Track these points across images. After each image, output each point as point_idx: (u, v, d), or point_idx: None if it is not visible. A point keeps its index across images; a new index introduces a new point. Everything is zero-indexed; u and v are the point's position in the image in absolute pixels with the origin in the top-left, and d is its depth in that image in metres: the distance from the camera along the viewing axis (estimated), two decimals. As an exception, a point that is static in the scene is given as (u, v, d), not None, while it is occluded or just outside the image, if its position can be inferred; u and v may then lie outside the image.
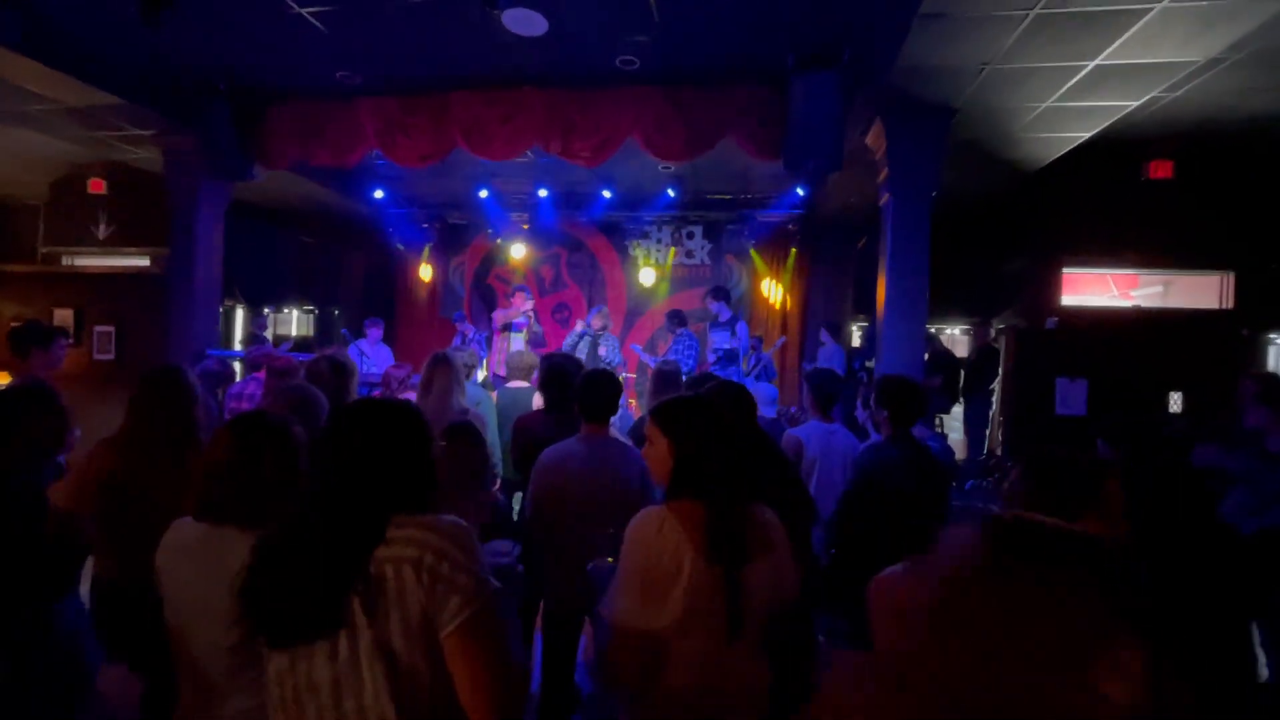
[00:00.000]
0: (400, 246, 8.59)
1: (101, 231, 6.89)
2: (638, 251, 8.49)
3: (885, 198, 4.45)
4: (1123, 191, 5.59)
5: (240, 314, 7.61)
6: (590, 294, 8.62)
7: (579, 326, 6.25)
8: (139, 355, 6.29)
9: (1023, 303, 6.00)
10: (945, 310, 7.14)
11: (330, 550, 1.04)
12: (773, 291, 8.15)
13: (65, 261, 7.10)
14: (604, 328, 6.19)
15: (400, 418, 1.18)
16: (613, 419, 2.35)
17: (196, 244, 5.39)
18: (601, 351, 6.01)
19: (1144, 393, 5.08)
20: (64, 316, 6.60)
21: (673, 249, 8.42)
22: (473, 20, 3.70)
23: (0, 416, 1.95)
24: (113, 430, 2.07)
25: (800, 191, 6.87)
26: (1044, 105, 4.05)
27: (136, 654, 1.86)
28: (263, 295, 7.78)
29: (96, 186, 6.74)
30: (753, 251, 8.15)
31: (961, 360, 6.49)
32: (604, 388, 2.26)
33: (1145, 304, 5.86)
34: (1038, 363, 5.32)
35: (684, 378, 3.45)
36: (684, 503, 1.43)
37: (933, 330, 6.85)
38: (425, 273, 8.54)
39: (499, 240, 8.46)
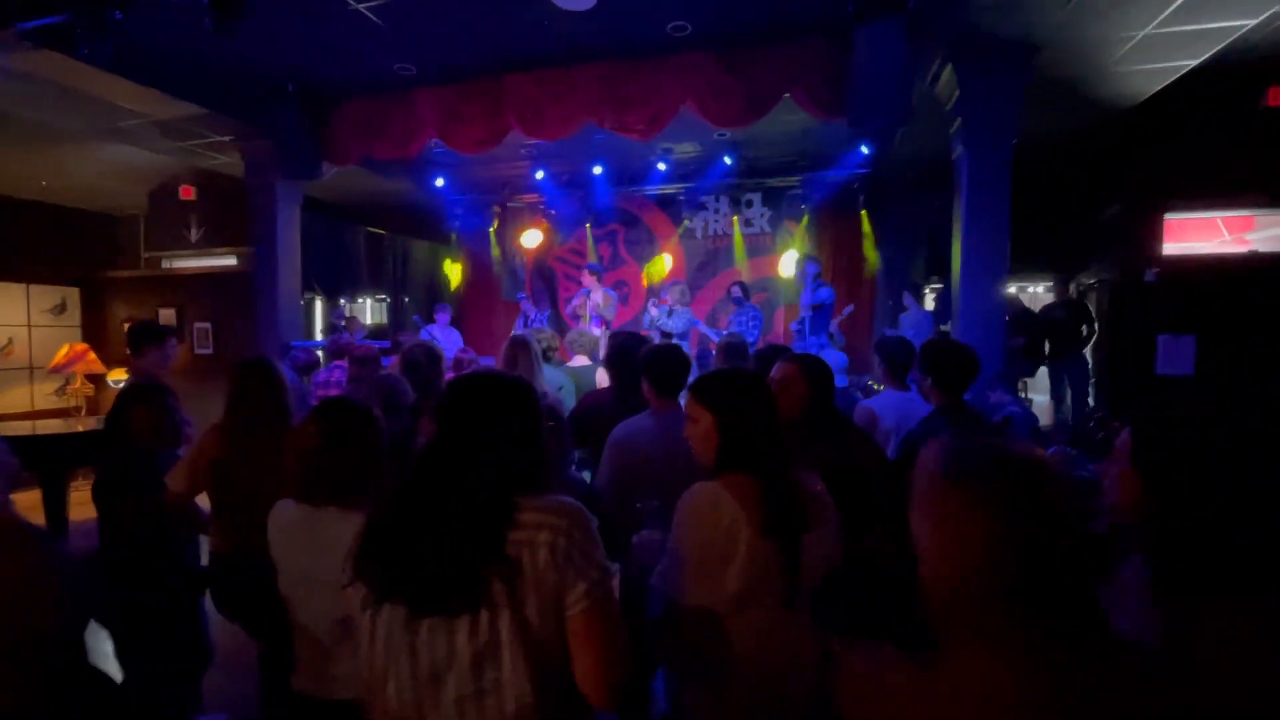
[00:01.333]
0: (455, 233, 8.79)
1: (193, 235, 7.41)
2: (696, 224, 8.36)
3: (959, 150, 4.16)
4: (1236, 124, 4.99)
5: (319, 305, 8.05)
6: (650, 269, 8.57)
7: (653, 305, 6.25)
8: (233, 348, 6.77)
9: (1117, 254, 5.52)
10: (1028, 267, 6.66)
11: (466, 528, 1.06)
12: (836, 257, 7.85)
13: (165, 265, 7.70)
14: (680, 300, 6.15)
15: (521, 393, 1.18)
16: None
17: (276, 241, 5.71)
18: (671, 326, 6.00)
19: (1261, 348, 4.60)
20: (168, 316, 7.18)
21: (735, 218, 8.22)
22: (522, 1, 3.68)
23: (116, 412, 2.15)
24: (216, 418, 2.24)
25: (865, 150, 6.54)
26: (1143, 33, 3.65)
27: (250, 619, 2.04)
28: (338, 286, 8.19)
29: (187, 193, 7.23)
30: (807, 215, 7.85)
31: (1047, 320, 6.06)
32: (672, 362, 2.24)
33: (1263, 248, 5.28)
34: (1136, 319, 4.90)
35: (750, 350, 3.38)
36: (736, 476, 1.41)
37: (1014, 289, 6.44)
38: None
39: (553, 220, 8.51)
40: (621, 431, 2.14)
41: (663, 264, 8.32)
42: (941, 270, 6.61)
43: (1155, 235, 5.28)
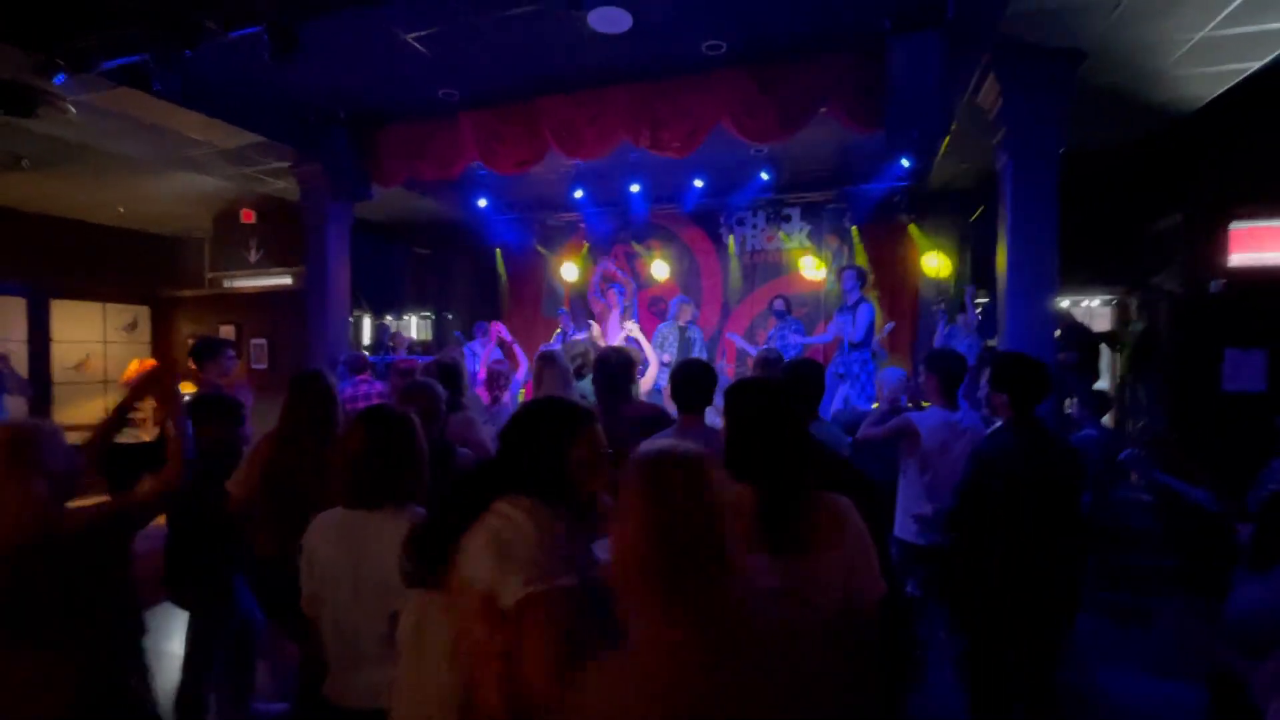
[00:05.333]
0: (498, 250, 9.01)
1: (253, 256, 7.82)
2: (731, 239, 8.35)
3: (1003, 160, 4.05)
4: (1310, 126, 4.71)
5: (367, 321, 8.35)
6: (685, 285, 8.59)
7: (662, 325, 6.30)
8: (287, 363, 7.09)
9: (1178, 266, 5.24)
10: (1081, 281, 6.39)
11: (447, 511, 1.18)
12: (879, 271, 7.70)
13: (226, 285, 8.14)
14: (690, 320, 6.17)
15: (552, 413, 1.27)
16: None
17: (328, 261, 5.97)
18: (686, 342, 6.02)
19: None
20: (227, 332, 7.57)
21: (768, 234, 8.18)
22: (560, 25, 3.80)
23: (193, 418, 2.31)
24: (270, 428, 2.35)
25: (905, 163, 6.43)
26: (1199, 35, 3.50)
27: (294, 623, 2.12)
28: (385, 304, 8.49)
29: (248, 217, 7.66)
30: (855, 230, 7.73)
31: (1100, 334, 5.79)
32: (697, 378, 2.24)
33: (1344, 258, 4.92)
34: (1201, 333, 4.63)
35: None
36: (739, 487, 1.35)
37: (1065, 304, 6.18)
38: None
39: (590, 240, 8.65)
40: (648, 449, 2.14)
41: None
42: (988, 284, 6.42)
43: (1221, 245, 4.99)
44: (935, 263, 7.01)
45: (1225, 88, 4.20)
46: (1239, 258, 4.98)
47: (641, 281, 8.76)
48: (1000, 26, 3.40)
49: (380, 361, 5.24)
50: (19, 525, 1.44)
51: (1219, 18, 3.29)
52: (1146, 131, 4.99)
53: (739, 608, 0.93)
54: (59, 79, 3.77)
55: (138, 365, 7.17)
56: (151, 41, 3.59)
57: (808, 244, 8.11)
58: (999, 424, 2.35)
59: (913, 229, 7.45)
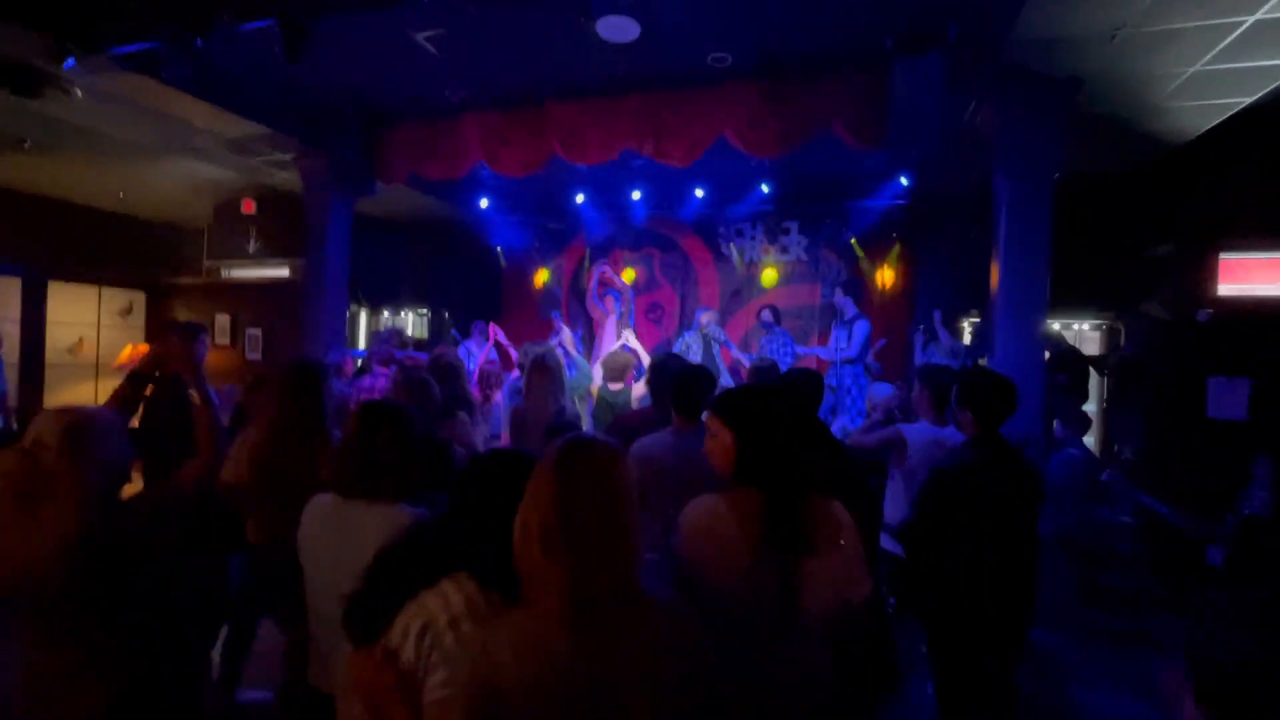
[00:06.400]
0: (500, 250, 9.06)
1: (251, 246, 7.82)
2: (732, 250, 8.41)
3: (999, 182, 4.12)
4: (1299, 163, 4.82)
5: (364, 316, 8.35)
6: (684, 293, 8.64)
7: (686, 332, 6.48)
8: (281, 354, 7.07)
9: (1168, 293, 5.33)
10: (1072, 304, 6.49)
11: (389, 581, 1.16)
12: (874, 287, 7.79)
13: (224, 274, 8.13)
14: (711, 321, 6.35)
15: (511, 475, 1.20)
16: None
17: (327, 254, 5.98)
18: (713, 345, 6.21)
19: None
20: (222, 321, 7.56)
21: (765, 246, 8.25)
22: (568, 32, 3.85)
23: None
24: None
25: (903, 181, 6.52)
26: (1192, 70, 3.59)
27: (282, 612, 2.13)
28: (382, 299, 8.49)
29: (248, 207, 7.66)
30: (855, 243, 7.81)
31: (1092, 358, 5.88)
32: (696, 382, 2.28)
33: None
34: (1187, 360, 4.71)
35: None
36: (742, 492, 1.41)
37: (1057, 326, 6.26)
38: (540, 278, 8.90)
39: (590, 246, 8.71)
40: (640, 447, 2.18)
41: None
42: (981, 304, 6.50)
43: (1210, 275, 5.09)
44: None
45: (1218, 120, 4.30)
46: (1228, 288, 5.07)
47: (639, 288, 8.81)
48: (1000, 52, 3.47)
49: (381, 354, 5.31)
50: (73, 517, 1.39)
51: (1213, 53, 3.38)
52: (1142, 160, 5.09)
53: (625, 597, 1.02)
54: (68, 63, 3.78)
55: (130, 350, 7.14)
56: (164, 29, 3.61)
57: (804, 258, 8.19)
58: (964, 441, 2.39)
59: (896, 245, 7.58)
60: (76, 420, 1.47)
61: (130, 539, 1.46)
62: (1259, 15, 3.00)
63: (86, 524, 1.39)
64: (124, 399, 1.92)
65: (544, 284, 9.05)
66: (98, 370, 7.65)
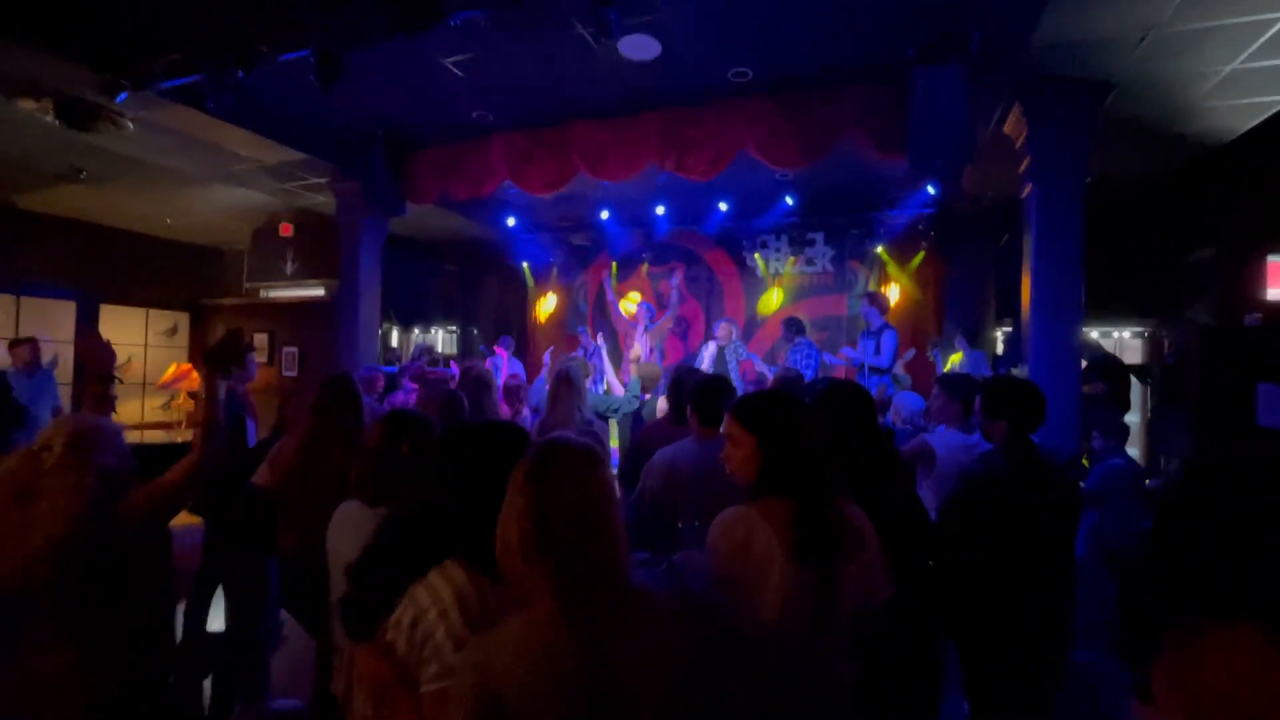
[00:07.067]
0: (526, 267, 9.21)
1: (289, 267, 8.09)
2: (758, 263, 8.40)
3: (1028, 189, 4.05)
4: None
5: (396, 334, 8.55)
6: (708, 307, 8.63)
7: (711, 345, 6.44)
8: (317, 372, 7.28)
9: (1213, 298, 5.14)
10: (1112, 312, 6.30)
11: (380, 577, 1.18)
12: (902, 297, 7.68)
13: (262, 294, 8.43)
14: (728, 336, 6.29)
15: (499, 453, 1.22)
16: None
17: (360, 274, 6.16)
18: (730, 360, 6.15)
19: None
20: (261, 340, 7.81)
21: (791, 258, 8.22)
22: (590, 52, 3.93)
23: None
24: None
25: (930, 190, 6.45)
26: (1228, 68, 3.49)
27: (312, 619, 2.18)
28: (413, 317, 8.69)
29: (285, 230, 7.95)
30: (882, 251, 7.73)
31: (1134, 366, 5.68)
32: (716, 393, 2.28)
33: (1388, 295, 4.78)
34: (1235, 366, 4.52)
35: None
36: (772, 501, 1.38)
37: (1095, 334, 6.08)
38: (549, 303, 9.12)
39: (617, 262, 8.81)
40: (662, 456, 2.18)
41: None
42: (1013, 312, 6.36)
43: (1257, 278, 4.89)
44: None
45: (1259, 120, 4.16)
46: (1276, 291, 4.87)
47: (664, 303, 8.84)
48: (1024, 58, 3.43)
49: (413, 371, 5.49)
50: (68, 517, 1.47)
51: (1248, 52, 3.28)
52: (1180, 162, 4.94)
53: (616, 592, 1.01)
54: (121, 97, 4.01)
55: (175, 369, 7.43)
56: (209, 63, 3.81)
57: (830, 269, 8.13)
58: (994, 446, 2.33)
59: (920, 255, 7.47)
60: (81, 427, 1.57)
61: (119, 541, 1.53)
62: (1296, 11, 2.91)
63: (75, 525, 1.47)
64: (98, 399, 2.00)
65: (555, 310, 9.20)
66: (144, 389, 7.97)
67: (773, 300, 8.28)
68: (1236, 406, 4.43)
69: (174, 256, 8.38)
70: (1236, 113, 4.07)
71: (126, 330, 7.95)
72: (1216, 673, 0.67)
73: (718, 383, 2.33)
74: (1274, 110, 4.01)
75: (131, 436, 5.78)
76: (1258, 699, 0.64)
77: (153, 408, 8.00)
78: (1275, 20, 3.00)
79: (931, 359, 6.52)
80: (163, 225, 7.80)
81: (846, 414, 1.88)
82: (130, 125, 4.57)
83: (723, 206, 7.29)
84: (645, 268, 8.72)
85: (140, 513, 1.60)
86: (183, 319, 8.53)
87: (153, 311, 8.25)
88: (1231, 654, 0.67)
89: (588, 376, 3.86)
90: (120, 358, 7.86)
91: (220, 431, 1.79)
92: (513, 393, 3.95)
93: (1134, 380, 5.53)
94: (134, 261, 7.92)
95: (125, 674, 1.53)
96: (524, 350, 9.02)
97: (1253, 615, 0.66)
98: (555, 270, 9.14)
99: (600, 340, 7.08)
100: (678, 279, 7.70)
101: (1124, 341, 6.75)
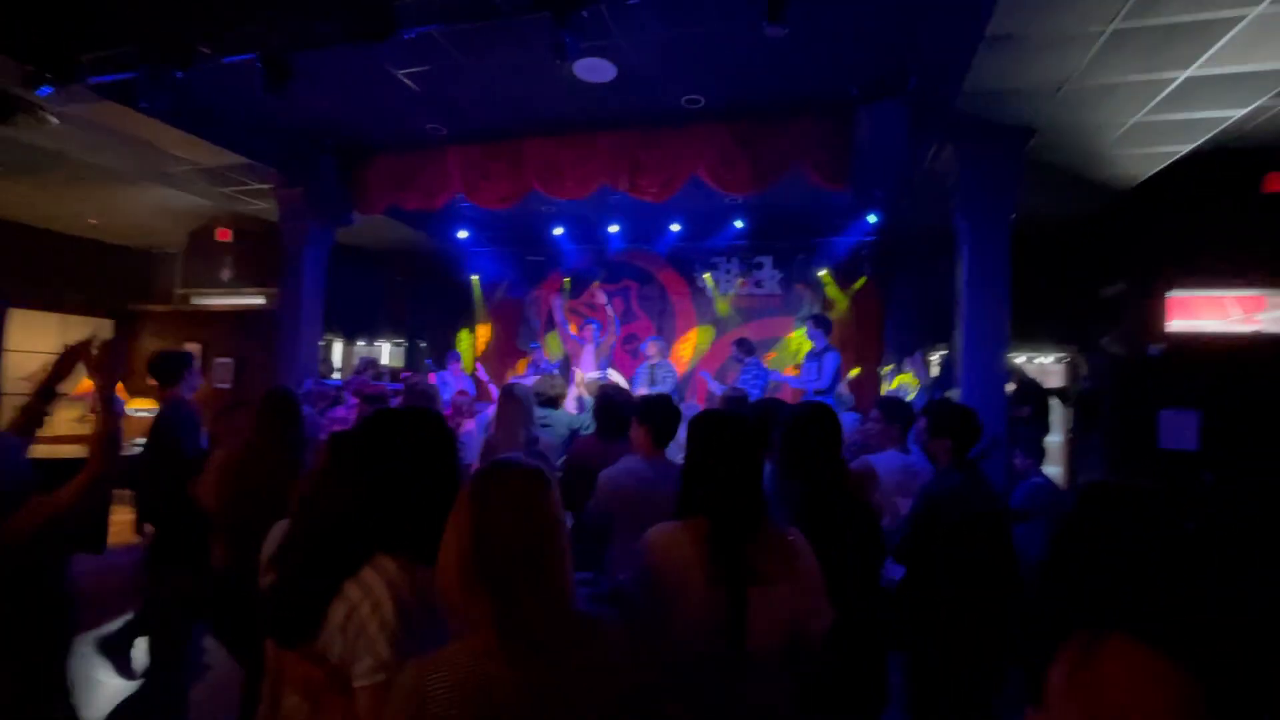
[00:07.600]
0: (475, 280, 9.11)
1: (225, 274, 7.74)
2: (707, 282, 8.57)
3: (959, 223, 4.31)
4: (1236, 207, 5.12)
5: (339, 346, 8.27)
6: (660, 325, 8.73)
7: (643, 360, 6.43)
8: (253, 384, 6.95)
9: (1124, 329, 5.57)
10: (1036, 338, 6.73)
11: (312, 571, 1.15)
12: (844, 320, 7.98)
13: (195, 301, 8.01)
14: (659, 354, 6.29)
15: (424, 438, 1.23)
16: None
17: (303, 283, 5.95)
18: (656, 379, 6.13)
19: (1269, 425, 4.57)
20: (193, 350, 7.41)
21: (740, 279, 8.43)
22: (547, 71, 3.98)
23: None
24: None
25: (872, 218, 6.76)
26: (1133, 120, 3.84)
27: (239, 643, 2.08)
28: (357, 329, 8.43)
29: (223, 235, 7.61)
30: (826, 275, 8.02)
31: (1056, 390, 6.07)
32: (668, 413, 2.33)
33: (1270, 329, 5.29)
34: (1139, 393, 4.90)
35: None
36: (697, 520, 1.39)
37: (1021, 359, 6.46)
38: (482, 333, 9.02)
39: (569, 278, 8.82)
40: (611, 475, 2.20)
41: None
42: (946, 337, 6.69)
43: (1159, 311, 5.34)
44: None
45: (1159, 168, 4.57)
46: (1176, 324, 5.32)
47: (617, 319, 8.88)
48: (957, 101, 3.68)
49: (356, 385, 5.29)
50: None
51: (1150, 105, 3.62)
52: (1096, 205, 5.36)
53: (559, 622, 0.97)
54: (44, 90, 3.79)
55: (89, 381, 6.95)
56: (144, 61, 3.64)
57: (778, 291, 8.38)
58: (947, 467, 2.48)
59: (861, 280, 7.79)
60: None
61: (9, 559, 1.45)
62: (1189, 72, 3.24)
63: None
64: (30, 415, 1.88)
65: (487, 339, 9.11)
66: (56, 400, 7.41)
67: (727, 322, 8.47)
68: (1142, 430, 4.79)
69: (98, 259, 7.88)
70: (1140, 160, 4.47)
71: (38, 337, 7.40)
72: (1111, 684, 0.70)
73: (663, 403, 2.37)
74: (1173, 159, 4.42)
75: (41, 451, 5.36)
76: (1148, 712, 0.68)
77: (67, 420, 7.44)
78: (1171, 80, 3.33)
79: (907, 369, 6.71)
80: (85, 225, 7.33)
81: (809, 434, 1.92)
82: (54, 120, 4.31)
83: (675, 228, 7.43)
84: (597, 285, 8.76)
85: (27, 534, 1.51)
86: (105, 326, 8.01)
87: (71, 317, 7.71)
88: (1123, 665, 0.71)
89: (563, 396, 3.82)
90: (32, 366, 7.31)
91: (117, 445, 1.70)
92: (459, 408, 3.89)
93: (1056, 403, 5.91)
94: (50, 264, 7.40)
95: (21, 698, 1.44)
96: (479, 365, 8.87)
97: (1132, 630, 0.72)
98: (505, 285, 9.07)
99: (547, 356, 7.04)
100: (602, 298, 7.70)
101: (1047, 366, 7.20)
